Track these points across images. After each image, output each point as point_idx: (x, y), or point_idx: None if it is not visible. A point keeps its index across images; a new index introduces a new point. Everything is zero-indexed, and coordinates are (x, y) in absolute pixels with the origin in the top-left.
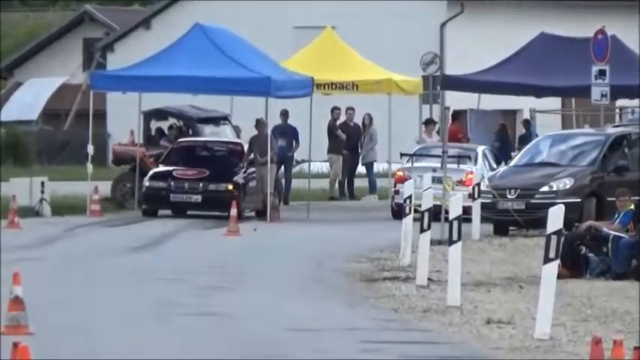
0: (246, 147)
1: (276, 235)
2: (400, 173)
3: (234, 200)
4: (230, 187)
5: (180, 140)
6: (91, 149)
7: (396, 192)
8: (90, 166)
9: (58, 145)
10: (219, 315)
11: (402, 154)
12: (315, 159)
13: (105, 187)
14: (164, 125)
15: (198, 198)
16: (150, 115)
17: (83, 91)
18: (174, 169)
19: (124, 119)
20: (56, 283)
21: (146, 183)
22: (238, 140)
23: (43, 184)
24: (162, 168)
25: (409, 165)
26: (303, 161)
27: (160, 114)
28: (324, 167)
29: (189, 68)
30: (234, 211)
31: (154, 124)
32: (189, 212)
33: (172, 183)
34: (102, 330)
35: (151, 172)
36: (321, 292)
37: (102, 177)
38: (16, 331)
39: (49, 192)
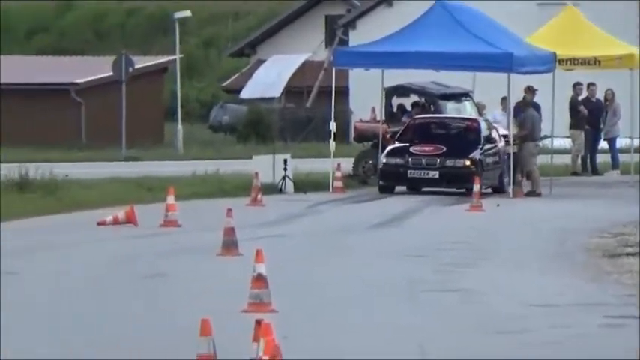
0: (482, 124)
1: (519, 211)
2: None
3: (477, 176)
4: (468, 163)
5: (416, 117)
6: (333, 126)
7: None
8: (333, 144)
9: (301, 123)
10: (463, 291)
11: None
12: (558, 135)
13: (347, 164)
14: (406, 102)
15: (435, 174)
16: (391, 92)
17: (325, 68)
18: (410, 146)
19: (366, 96)
20: (300, 260)
21: (383, 160)
22: (475, 117)
23: (285, 161)
24: (398, 144)
25: None
26: (545, 137)
27: (402, 90)
28: (567, 143)
29: (431, 44)
30: (476, 187)
31: (396, 101)
32: (424, 189)
33: (410, 159)
34: (346, 307)
35: (387, 149)
36: (563, 267)
37: (344, 154)
38: (259, 309)
39: (291, 169)
